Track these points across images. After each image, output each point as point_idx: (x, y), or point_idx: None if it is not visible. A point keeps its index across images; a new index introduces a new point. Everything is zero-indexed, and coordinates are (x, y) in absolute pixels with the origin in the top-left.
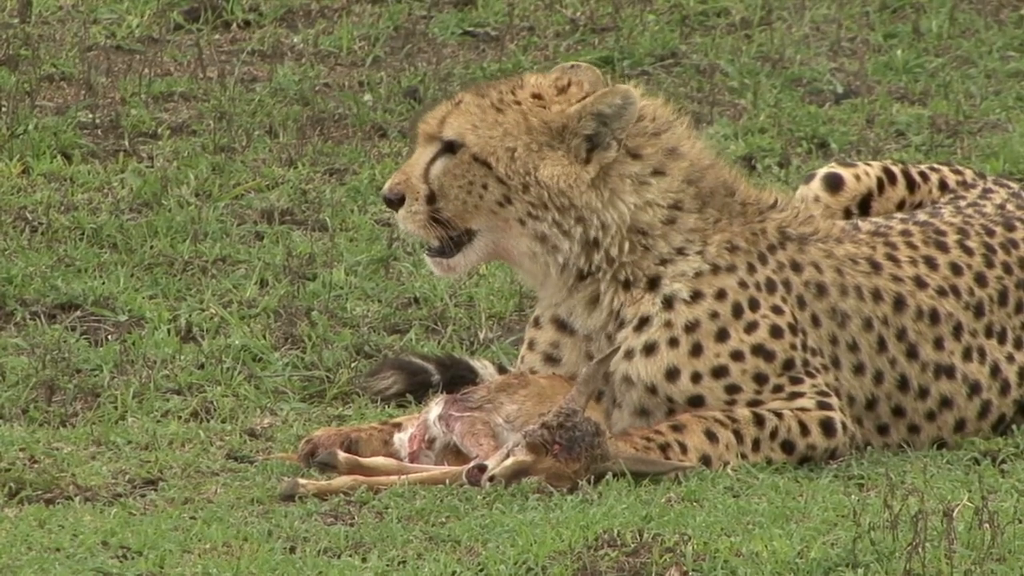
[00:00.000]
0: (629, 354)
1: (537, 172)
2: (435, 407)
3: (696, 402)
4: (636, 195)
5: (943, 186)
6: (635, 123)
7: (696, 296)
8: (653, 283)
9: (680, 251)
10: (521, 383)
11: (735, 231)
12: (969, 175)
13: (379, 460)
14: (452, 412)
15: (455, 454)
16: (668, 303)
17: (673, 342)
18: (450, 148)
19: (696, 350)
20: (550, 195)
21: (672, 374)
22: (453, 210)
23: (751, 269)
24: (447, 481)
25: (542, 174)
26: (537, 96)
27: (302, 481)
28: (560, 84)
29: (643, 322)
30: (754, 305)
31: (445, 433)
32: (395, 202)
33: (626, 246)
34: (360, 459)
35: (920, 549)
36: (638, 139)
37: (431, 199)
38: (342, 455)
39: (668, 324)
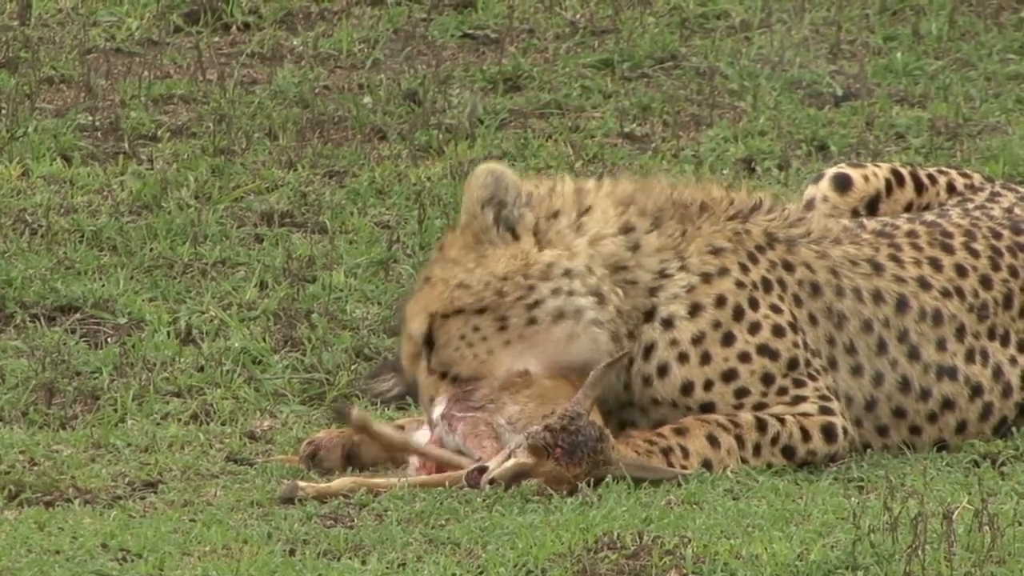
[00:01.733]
0: (647, 380)
1: (495, 273)
2: (437, 406)
3: (708, 408)
4: (583, 237)
5: (951, 189)
6: (521, 196)
7: (696, 309)
8: (650, 315)
9: (662, 273)
10: (525, 383)
11: (710, 232)
12: (977, 179)
13: (388, 428)
14: (455, 412)
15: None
16: (668, 323)
17: (683, 357)
18: (430, 340)
19: (705, 359)
20: (523, 276)
21: (687, 388)
22: (469, 369)
23: (744, 269)
24: (447, 483)
25: (500, 270)
26: (441, 247)
27: (301, 484)
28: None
29: (649, 348)
30: (754, 305)
31: (448, 433)
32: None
33: (620, 291)
34: (370, 421)
35: (920, 552)
36: (543, 204)
37: (444, 376)
38: (355, 410)
39: (673, 342)
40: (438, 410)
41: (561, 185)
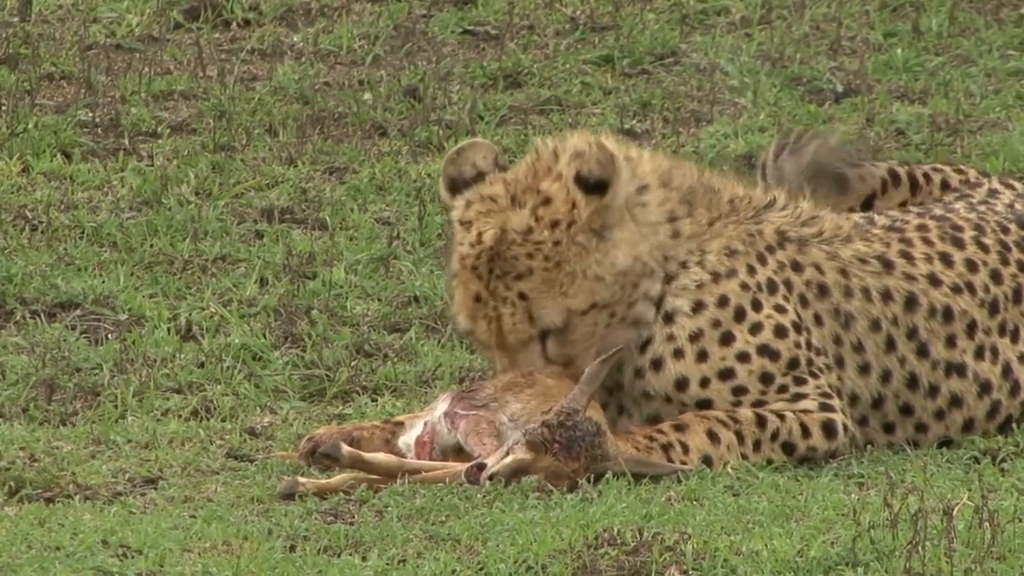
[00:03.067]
0: (639, 372)
1: (617, 266)
2: (441, 404)
3: (704, 405)
4: (646, 222)
5: (945, 186)
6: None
7: (698, 307)
8: (657, 303)
9: (683, 264)
10: (528, 382)
11: (731, 234)
12: (972, 174)
13: (381, 456)
14: (457, 410)
15: (457, 454)
16: (669, 318)
17: (678, 353)
18: (548, 332)
19: (702, 356)
20: (635, 271)
21: (681, 384)
22: (585, 361)
23: (751, 271)
24: (447, 480)
25: (621, 263)
26: (554, 224)
27: (301, 480)
28: (541, 196)
29: (646, 341)
30: (757, 306)
31: (450, 431)
32: None
33: (658, 284)
34: (363, 454)
35: (920, 548)
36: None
37: (568, 365)
38: (345, 448)
39: (670, 337)
40: (441, 408)
41: (616, 155)
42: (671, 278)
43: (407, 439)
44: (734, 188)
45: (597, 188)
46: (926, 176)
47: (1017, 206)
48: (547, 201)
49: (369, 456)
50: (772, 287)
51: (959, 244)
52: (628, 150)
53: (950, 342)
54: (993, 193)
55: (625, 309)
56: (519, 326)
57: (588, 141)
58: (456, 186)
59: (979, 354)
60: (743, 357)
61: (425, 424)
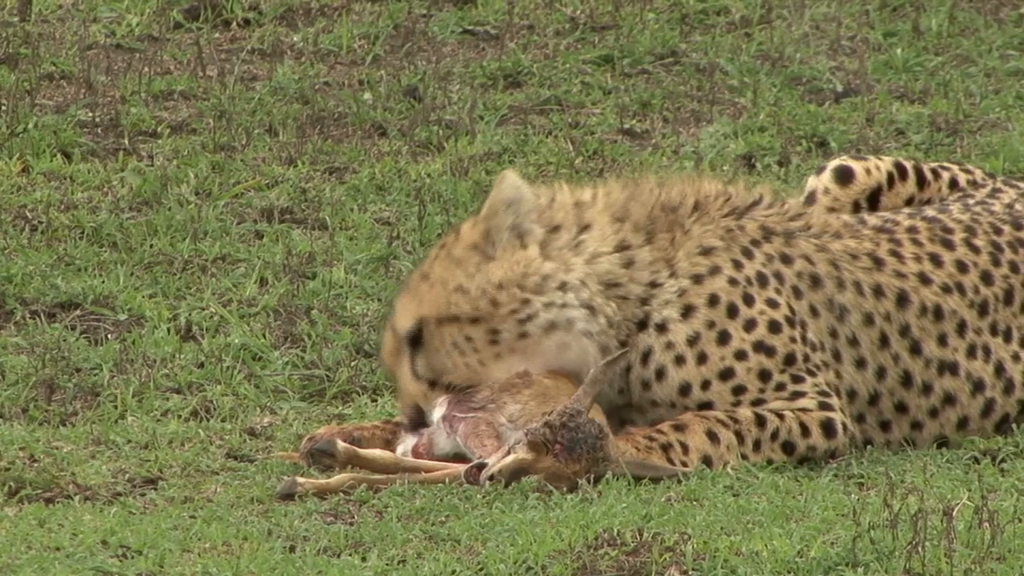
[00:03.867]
0: (646, 385)
1: (492, 281)
2: (438, 408)
3: (706, 407)
4: (581, 256)
5: (953, 184)
6: (534, 213)
7: (688, 311)
8: (643, 323)
9: (653, 283)
10: (525, 383)
11: (699, 234)
12: (979, 174)
13: (377, 452)
14: (456, 413)
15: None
16: (662, 328)
17: (679, 360)
18: (416, 340)
19: (702, 359)
20: (519, 286)
21: (685, 389)
22: (460, 378)
23: (737, 265)
24: (447, 480)
25: (496, 279)
26: (442, 245)
27: (301, 480)
28: (454, 228)
29: (646, 354)
30: (749, 301)
31: (449, 435)
32: (419, 421)
33: (612, 305)
34: (358, 450)
35: (920, 548)
36: (544, 216)
37: (433, 385)
38: (341, 444)
39: (669, 345)
40: (438, 412)
41: (561, 196)
42: (645, 300)
43: (405, 447)
44: (701, 188)
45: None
46: (934, 172)
47: (1017, 206)
48: (453, 231)
49: (365, 452)
50: (762, 280)
51: (949, 245)
52: (581, 194)
53: (942, 340)
54: (995, 193)
55: (515, 324)
56: (388, 340)
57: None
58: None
59: (971, 353)
60: (741, 355)
61: (422, 433)
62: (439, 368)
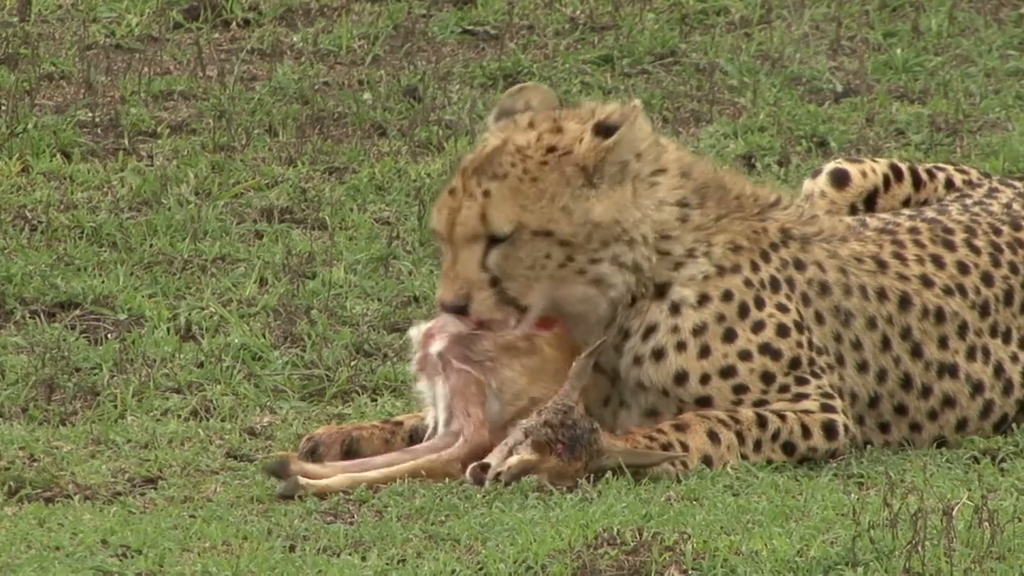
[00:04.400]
0: (638, 360)
1: (591, 216)
2: (438, 341)
3: (704, 402)
4: (652, 197)
5: (949, 184)
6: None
7: (703, 300)
8: (661, 290)
9: (691, 253)
10: (527, 348)
11: (736, 230)
12: (975, 174)
13: (325, 470)
14: (452, 358)
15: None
16: (675, 308)
17: (680, 346)
18: (496, 239)
19: (704, 352)
20: (610, 231)
21: (681, 378)
22: (517, 288)
23: (755, 268)
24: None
25: (596, 215)
26: (551, 148)
27: (302, 480)
28: (555, 126)
29: (650, 329)
30: (760, 304)
31: (440, 374)
32: (462, 308)
33: (654, 257)
34: (308, 467)
35: (920, 547)
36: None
37: (495, 282)
38: (293, 465)
39: (675, 329)
40: (437, 346)
41: (646, 134)
42: (679, 264)
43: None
44: (743, 186)
45: (607, 133)
46: (929, 173)
47: (1015, 206)
48: (557, 130)
49: (313, 468)
50: (775, 285)
51: (950, 246)
52: (660, 138)
53: (942, 343)
54: (992, 192)
55: (585, 261)
56: (471, 221)
57: (627, 104)
58: (503, 117)
59: (971, 355)
60: (745, 355)
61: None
62: (511, 273)
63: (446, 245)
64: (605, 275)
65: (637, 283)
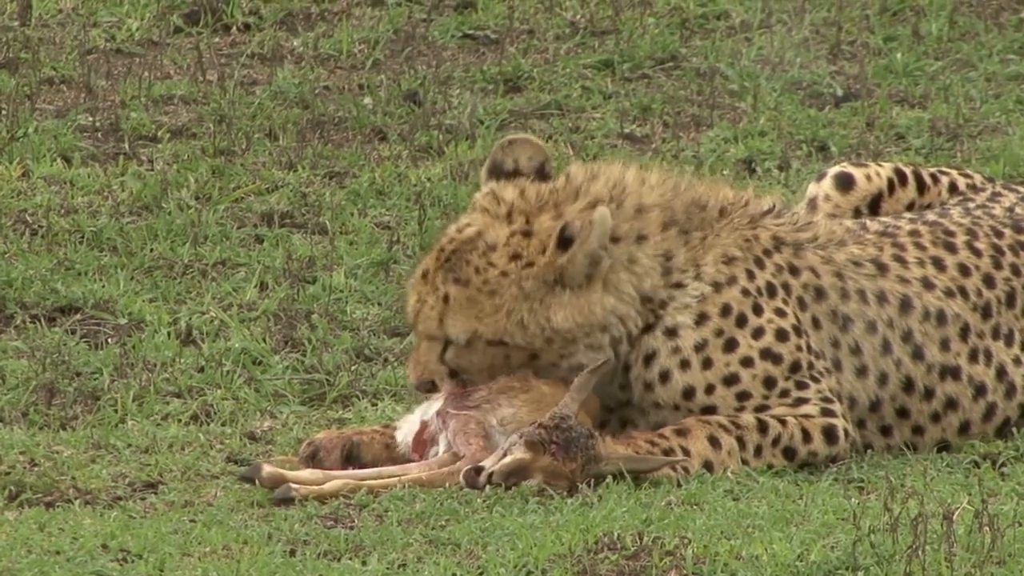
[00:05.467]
0: (648, 386)
1: (552, 324)
2: (436, 402)
3: (709, 411)
4: (632, 274)
5: (953, 189)
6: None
7: (702, 319)
8: (650, 327)
9: (678, 285)
10: (523, 387)
11: (726, 242)
12: (978, 179)
13: (305, 473)
14: (449, 409)
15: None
16: (672, 332)
17: (684, 364)
18: (448, 342)
19: (707, 364)
20: (574, 333)
21: (689, 393)
22: (483, 380)
23: (750, 276)
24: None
25: (557, 323)
26: (516, 256)
27: (295, 484)
28: (523, 229)
29: (650, 357)
30: (758, 310)
31: (441, 429)
32: (431, 385)
33: (640, 317)
34: (284, 472)
35: (920, 552)
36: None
37: (453, 375)
38: (267, 470)
39: (676, 350)
40: (435, 406)
41: (628, 196)
42: (665, 303)
43: (403, 437)
44: (724, 195)
45: (567, 244)
46: (933, 177)
47: (1018, 209)
48: (527, 234)
49: (291, 474)
50: (771, 291)
51: (951, 249)
52: (641, 197)
53: (944, 345)
54: (995, 196)
55: (554, 358)
56: (430, 322)
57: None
58: (494, 172)
59: (973, 357)
60: (746, 362)
61: (423, 423)
62: (470, 371)
63: (413, 330)
64: (582, 361)
65: (626, 334)
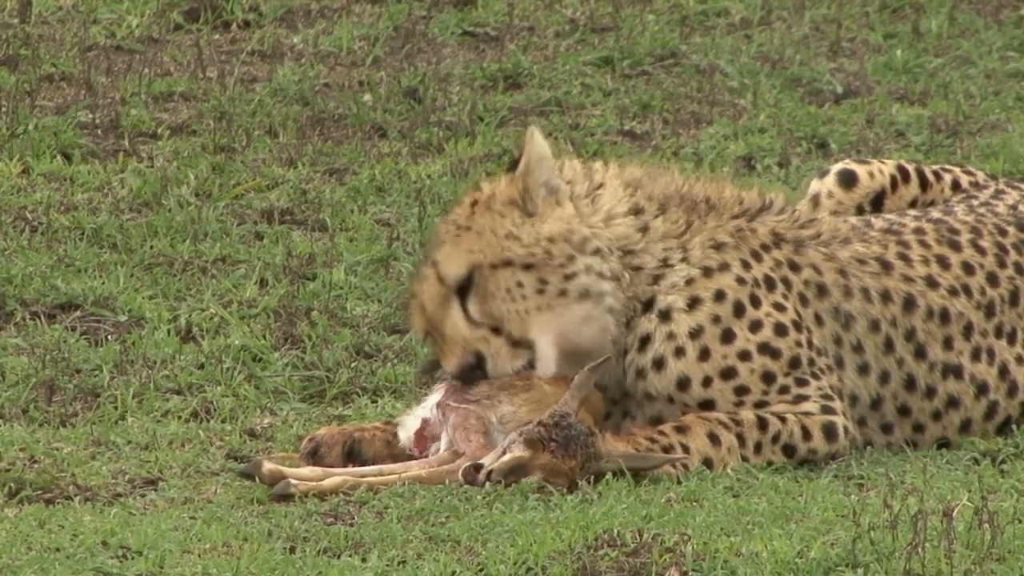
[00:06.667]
0: (641, 373)
1: (542, 233)
2: (435, 394)
3: (707, 406)
4: (598, 212)
5: (956, 186)
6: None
7: (694, 302)
8: (648, 305)
9: (665, 262)
10: (524, 386)
11: (712, 227)
12: (981, 176)
13: (305, 470)
14: (450, 401)
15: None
16: (665, 315)
17: (679, 351)
18: (465, 288)
19: (704, 355)
20: (567, 241)
21: (683, 383)
22: (514, 326)
23: (746, 266)
24: (446, 480)
25: (547, 231)
26: (475, 202)
27: (294, 481)
28: (474, 189)
29: (644, 340)
30: (756, 302)
31: (440, 422)
32: (477, 366)
33: (627, 275)
34: (284, 469)
35: (920, 549)
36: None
37: (496, 331)
38: (267, 467)
39: (671, 336)
40: (435, 398)
41: (569, 162)
42: (657, 277)
43: (405, 434)
44: (719, 190)
45: (516, 165)
46: (936, 174)
47: (1021, 207)
48: (476, 189)
49: (291, 471)
50: (770, 284)
51: (956, 247)
52: (594, 163)
53: (947, 344)
54: (998, 194)
55: (560, 279)
56: (433, 289)
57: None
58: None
59: (976, 356)
60: (745, 355)
61: (421, 420)
62: (497, 314)
63: (432, 334)
64: (588, 286)
65: (626, 301)
